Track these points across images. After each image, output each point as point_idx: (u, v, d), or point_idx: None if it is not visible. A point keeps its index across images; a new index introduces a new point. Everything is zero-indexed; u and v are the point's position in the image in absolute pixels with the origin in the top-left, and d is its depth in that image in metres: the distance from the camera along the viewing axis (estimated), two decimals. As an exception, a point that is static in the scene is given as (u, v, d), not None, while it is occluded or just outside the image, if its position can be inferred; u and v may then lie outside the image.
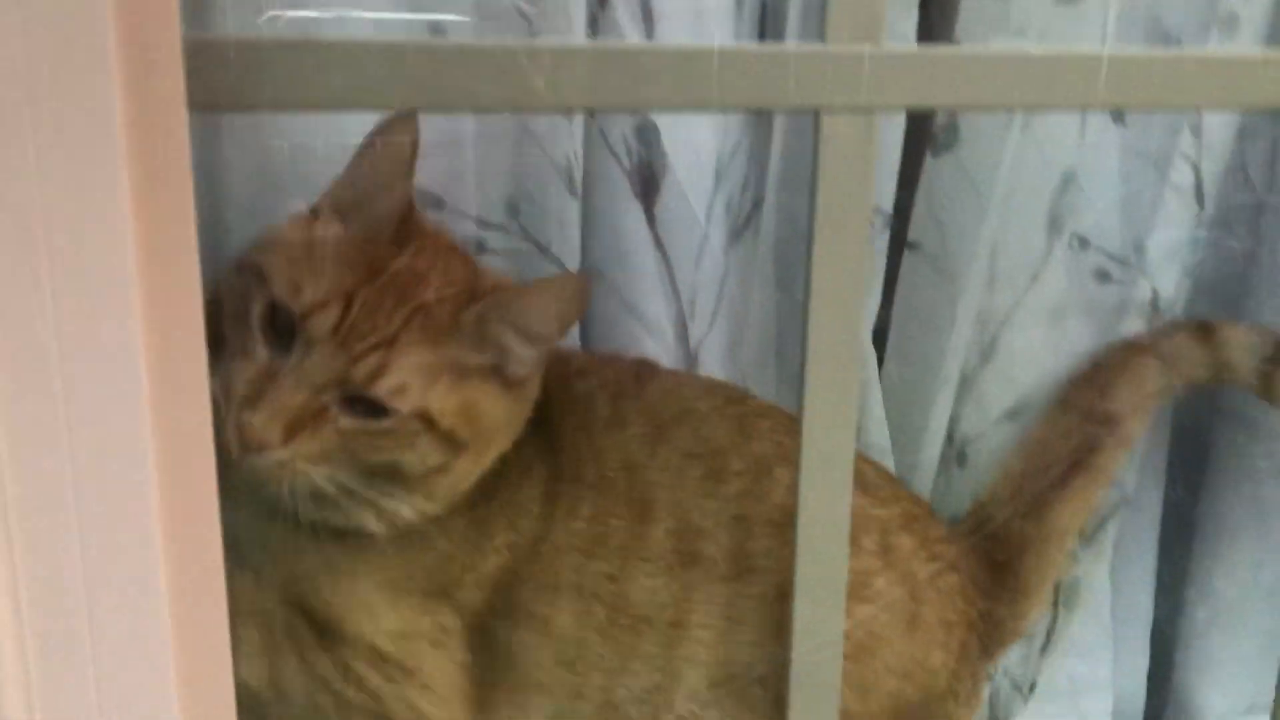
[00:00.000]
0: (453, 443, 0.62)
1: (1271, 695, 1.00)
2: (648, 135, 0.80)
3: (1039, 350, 0.91)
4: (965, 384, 0.92)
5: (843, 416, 0.59)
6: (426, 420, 0.61)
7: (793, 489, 0.57)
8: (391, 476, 0.62)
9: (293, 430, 0.57)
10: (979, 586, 0.81)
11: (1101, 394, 0.87)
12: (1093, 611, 0.98)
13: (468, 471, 0.64)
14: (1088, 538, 0.96)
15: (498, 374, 0.63)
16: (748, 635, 0.71)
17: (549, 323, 0.63)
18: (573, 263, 0.80)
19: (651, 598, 0.69)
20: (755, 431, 0.73)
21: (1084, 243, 0.89)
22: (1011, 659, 0.98)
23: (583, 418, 0.71)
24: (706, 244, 0.81)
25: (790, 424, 0.69)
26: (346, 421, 0.59)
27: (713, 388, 0.77)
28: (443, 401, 0.61)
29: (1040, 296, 0.90)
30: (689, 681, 0.70)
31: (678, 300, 0.82)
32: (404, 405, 0.59)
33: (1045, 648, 0.98)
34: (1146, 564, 1.00)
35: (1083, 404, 0.88)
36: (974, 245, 0.86)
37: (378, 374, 0.59)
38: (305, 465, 0.59)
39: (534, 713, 0.71)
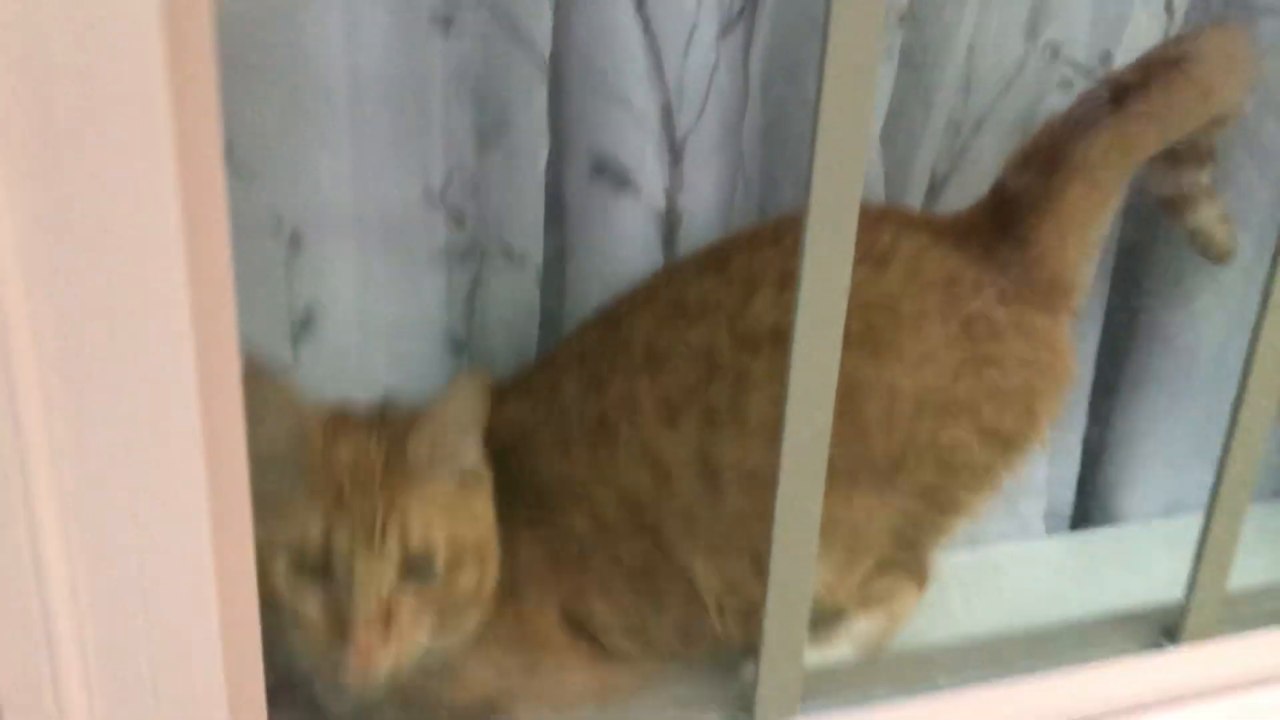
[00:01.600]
0: (477, 554, 0.71)
1: (1189, 496, 1.08)
2: (634, -92, 0.78)
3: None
4: (933, 192, 0.93)
5: (846, 216, 0.60)
6: (459, 548, 0.69)
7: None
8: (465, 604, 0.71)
9: (386, 628, 0.66)
10: None
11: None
12: None
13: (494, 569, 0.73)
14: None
15: (464, 479, 0.72)
16: None
17: (468, 420, 0.71)
18: (545, 48, 0.78)
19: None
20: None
21: (1055, 52, 0.90)
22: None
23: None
24: (696, 32, 0.80)
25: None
26: (413, 593, 0.67)
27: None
28: (457, 525, 0.70)
29: (1012, 105, 0.91)
30: None
31: (665, 90, 0.81)
32: (438, 544, 0.68)
33: None
34: (1084, 373, 1.05)
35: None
36: (952, 45, 0.86)
37: (405, 538, 0.67)
38: (412, 641, 0.68)
39: None
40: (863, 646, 0.83)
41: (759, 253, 0.77)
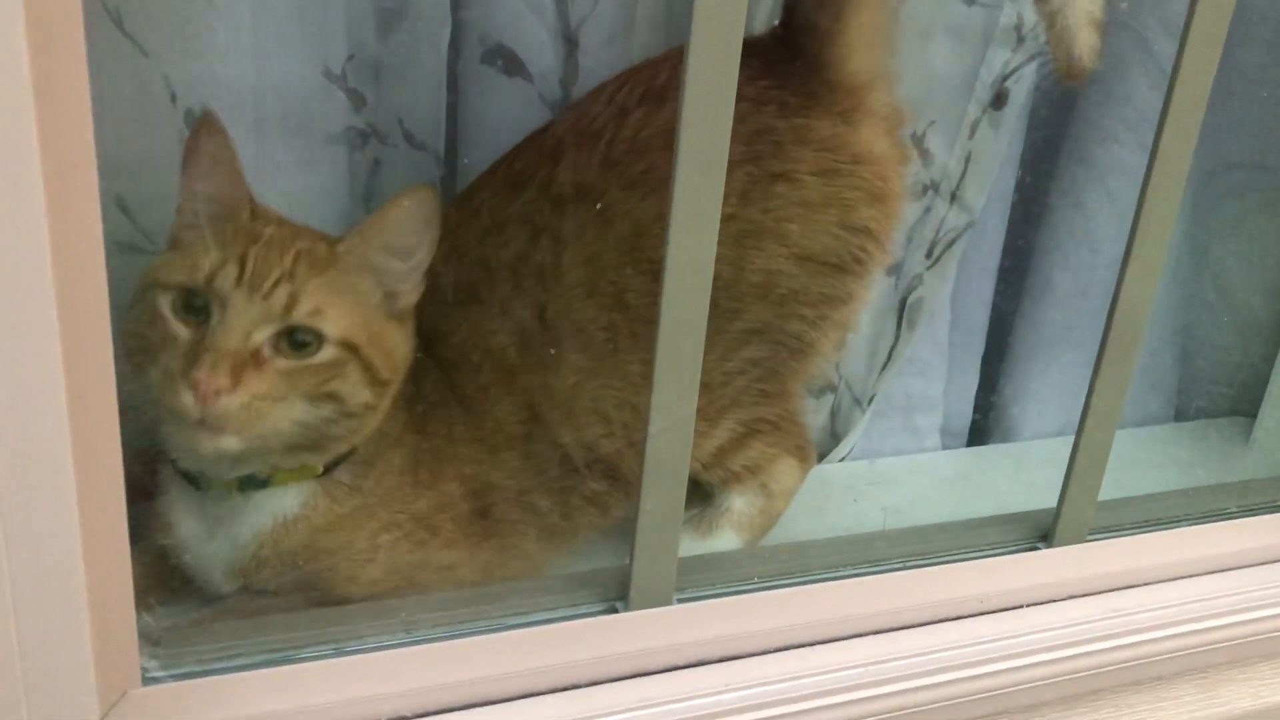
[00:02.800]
0: (375, 378, 0.69)
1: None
2: None
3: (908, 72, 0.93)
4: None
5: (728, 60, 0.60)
6: (350, 348, 0.67)
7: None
8: (336, 415, 0.68)
9: (238, 374, 0.63)
10: None
11: None
12: (931, 331, 1.05)
13: (384, 407, 0.71)
14: (933, 259, 1.01)
15: (391, 305, 0.71)
16: None
17: (411, 235, 0.70)
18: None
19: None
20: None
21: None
22: (853, 373, 1.05)
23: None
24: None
25: None
26: (283, 362, 0.65)
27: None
28: (358, 330, 0.68)
29: (913, 18, 0.91)
30: None
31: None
32: (327, 328, 0.66)
33: (885, 365, 1.05)
34: (984, 289, 1.07)
35: None
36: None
37: (292, 303, 0.65)
38: (262, 405, 0.64)
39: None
40: (742, 528, 0.85)
41: (575, 125, 0.77)
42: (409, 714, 0.65)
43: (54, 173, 0.48)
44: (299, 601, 0.72)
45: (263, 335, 0.65)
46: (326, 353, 0.67)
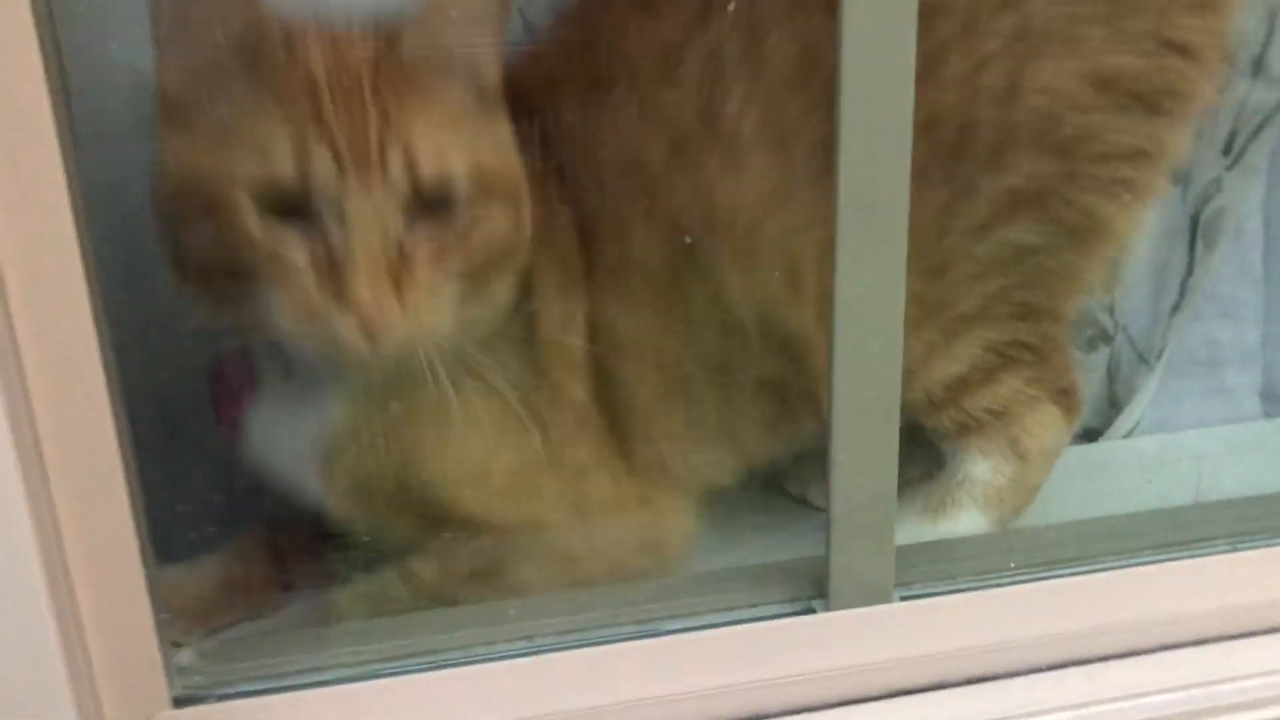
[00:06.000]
0: (508, 196, 0.56)
1: None
2: None
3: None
4: None
5: None
6: (481, 179, 0.54)
7: None
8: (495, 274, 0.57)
9: (398, 285, 0.52)
10: None
11: None
12: (1238, 255, 0.83)
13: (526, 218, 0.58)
14: (1233, 152, 0.78)
15: (483, 97, 0.56)
16: None
17: (481, 17, 0.56)
18: None
19: None
20: None
21: None
22: (1135, 318, 0.82)
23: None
24: None
25: None
26: (425, 241, 0.53)
27: None
28: (481, 152, 0.55)
29: None
30: None
31: None
32: (456, 166, 0.53)
33: (1178, 305, 0.82)
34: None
35: None
36: None
37: (411, 161, 0.52)
38: (428, 306, 0.53)
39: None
40: (989, 503, 0.63)
41: None
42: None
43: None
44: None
45: (399, 222, 0.52)
46: (461, 206, 0.54)
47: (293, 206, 0.51)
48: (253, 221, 0.51)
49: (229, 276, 0.52)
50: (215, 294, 0.54)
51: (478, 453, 0.59)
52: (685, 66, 0.59)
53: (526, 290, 0.59)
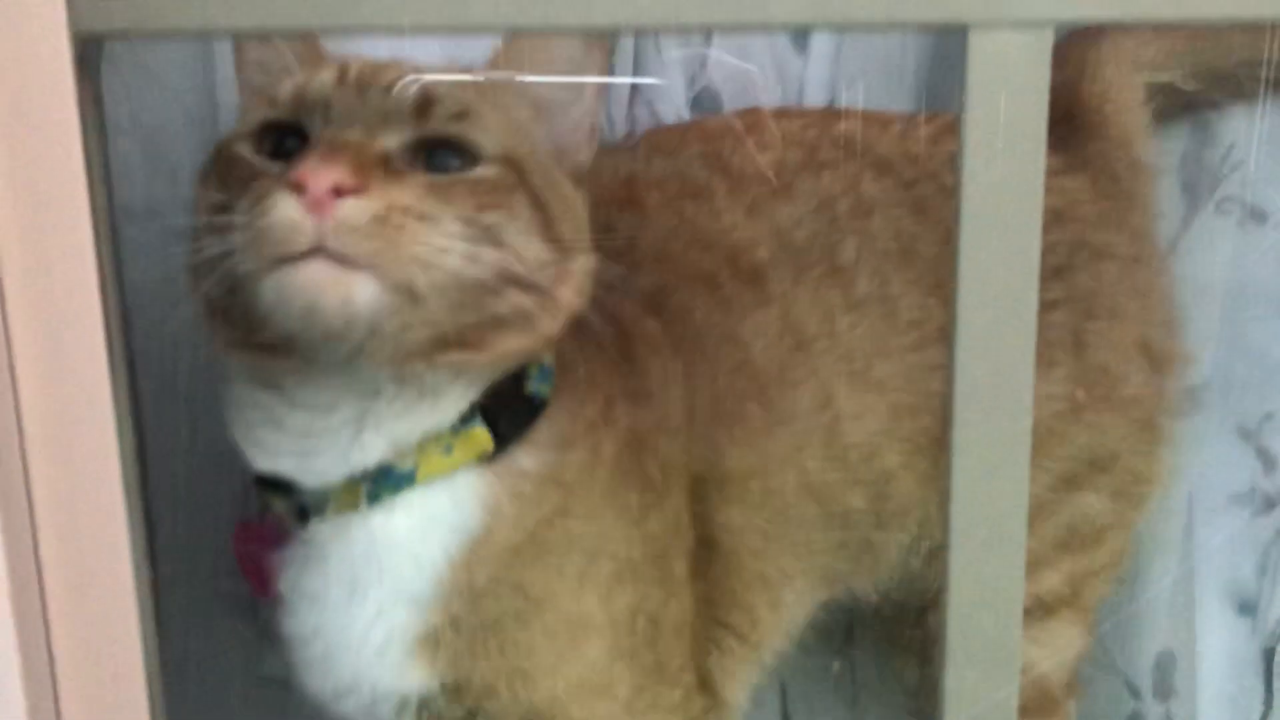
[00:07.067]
0: (550, 230, 0.50)
1: None
2: None
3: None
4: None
5: None
6: (515, 168, 0.50)
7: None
8: (501, 275, 0.49)
9: (364, 174, 0.44)
10: None
11: None
12: None
13: (565, 302, 0.51)
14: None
15: (561, 158, 0.54)
16: None
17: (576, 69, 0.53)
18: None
19: None
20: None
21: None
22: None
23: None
24: None
25: None
26: (426, 177, 0.48)
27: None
28: (523, 149, 0.51)
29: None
30: None
31: None
32: (482, 138, 0.49)
33: None
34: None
35: None
36: None
37: (428, 103, 0.49)
38: (405, 220, 0.45)
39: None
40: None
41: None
42: None
43: None
44: None
45: (394, 141, 0.47)
46: (485, 169, 0.48)
47: (288, 148, 0.48)
48: (245, 151, 0.49)
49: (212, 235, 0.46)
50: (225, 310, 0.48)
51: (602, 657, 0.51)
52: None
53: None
